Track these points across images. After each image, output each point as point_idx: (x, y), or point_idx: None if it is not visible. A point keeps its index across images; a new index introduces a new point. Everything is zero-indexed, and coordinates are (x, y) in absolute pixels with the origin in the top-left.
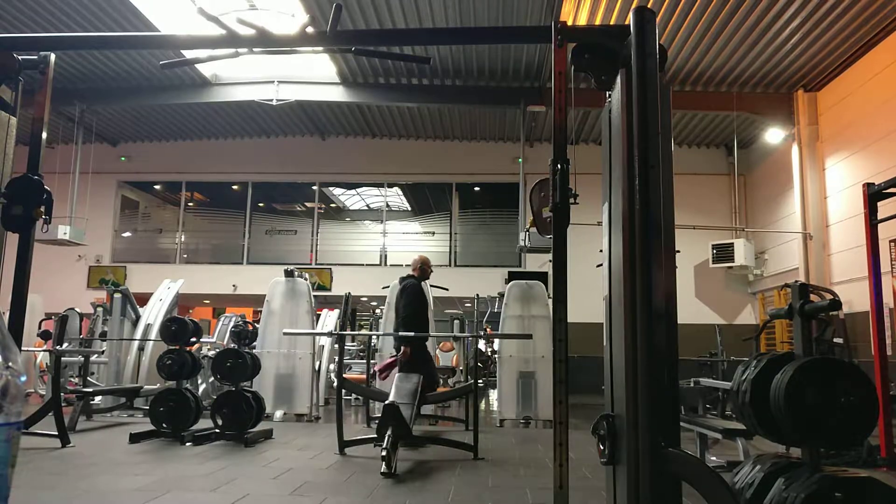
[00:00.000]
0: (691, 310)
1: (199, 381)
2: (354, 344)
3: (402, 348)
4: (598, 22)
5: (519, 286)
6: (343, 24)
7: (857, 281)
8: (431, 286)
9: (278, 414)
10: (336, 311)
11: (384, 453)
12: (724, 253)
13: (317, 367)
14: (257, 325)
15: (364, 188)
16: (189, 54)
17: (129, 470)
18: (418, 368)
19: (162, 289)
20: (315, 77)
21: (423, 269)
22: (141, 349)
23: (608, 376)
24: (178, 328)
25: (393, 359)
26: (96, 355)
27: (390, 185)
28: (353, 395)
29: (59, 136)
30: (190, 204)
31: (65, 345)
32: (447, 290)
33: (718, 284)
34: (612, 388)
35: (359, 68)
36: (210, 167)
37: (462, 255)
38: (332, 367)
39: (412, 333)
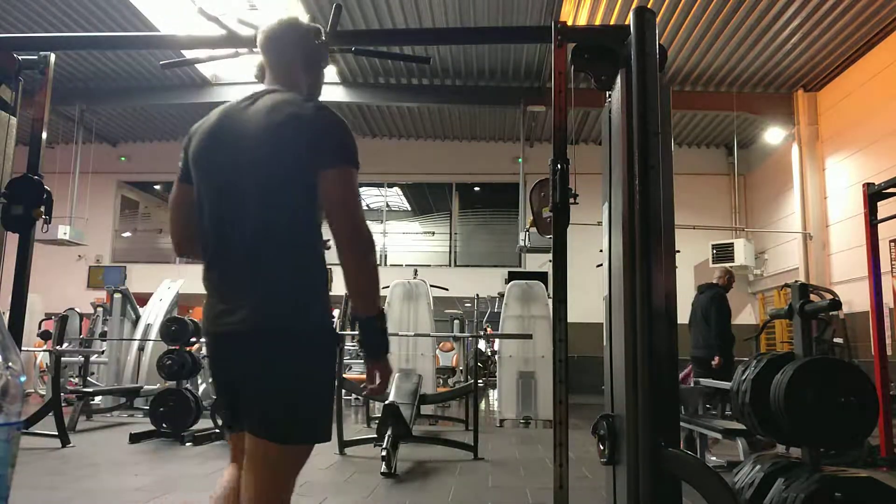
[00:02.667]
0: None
1: (199, 381)
2: (354, 344)
3: (717, 357)
4: (598, 22)
5: (519, 286)
6: (343, 24)
7: (857, 281)
8: (431, 286)
9: None
10: (336, 311)
11: (384, 453)
12: (724, 253)
13: None
14: None
15: (364, 188)
16: (189, 54)
17: (129, 470)
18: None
19: (162, 289)
20: None
21: (730, 280)
22: (141, 349)
23: (608, 376)
24: (178, 328)
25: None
26: (96, 355)
27: (390, 185)
28: (353, 395)
29: (59, 136)
30: None
31: (65, 345)
32: (447, 290)
33: None
34: (612, 388)
35: (359, 68)
36: None
37: (462, 255)
38: None
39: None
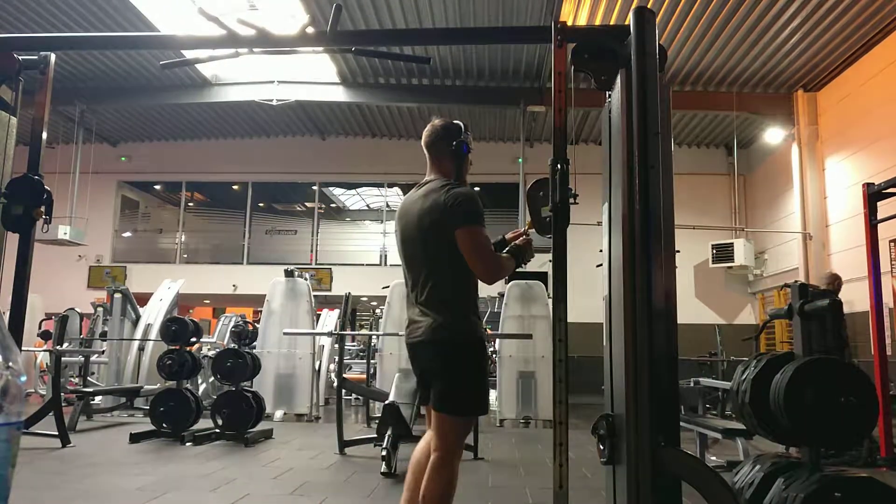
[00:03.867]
0: (691, 310)
1: (200, 381)
2: (354, 344)
3: None
4: (598, 22)
5: (519, 286)
6: (343, 25)
7: (857, 281)
8: None
9: (278, 414)
10: (336, 311)
11: (384, 453)
12: (723, 253)
13: (317, 367)
14: (257, 325)
15: (364, 188)
16: (189, 54)
17: (130, 470)
18: None
19: (162, 289)
20: (315, 77)
21: (839, 284)
22: (141, 349)
23: (608, 376)
24: (178, 328)
25: None
26: (96, 355)
27: (390, 185)
28: (353, 395)
29: (60, 136)
30: (190, 204)
31: (65, 345)
32: None
33: (718, 284)
34: (611, 388)
35: (359, 68)
36: (210, 167)
37: None
38: (332, 367)
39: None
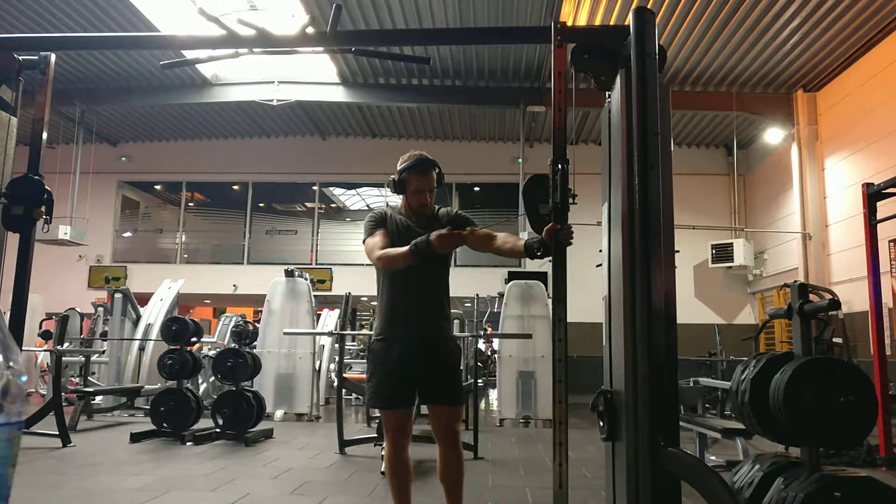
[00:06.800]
0: (691, 310)
1: (200, 381)
2: (354, 344)
3: None
4: (597, 22)
5: (519, 286)
6: (343, 25)
7: (857, 281)
8: None
9: (279, 413)
10: (336, 311)
11: (384, 453)
12: (723, 253)
13: (317, 367)
14: (258, 325)
15: (364, 188)
16: (189, 54)
17: (130, 469)
18: None
19: (162, 289)
20: (315, 77)
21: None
22: (142, 349)
23: (608, 376)
24: (178, 328)
25: None
26: (97, 355)
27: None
28: (354, 395)
29: (60, 136)
30: (190, 204)
31: (66, 345)
32: None
33: (718, 284)
34: (611, 387)
35: (359, 68)
36: (210, 167)
37: (462, 255)
38: (332, 366)
39: None
